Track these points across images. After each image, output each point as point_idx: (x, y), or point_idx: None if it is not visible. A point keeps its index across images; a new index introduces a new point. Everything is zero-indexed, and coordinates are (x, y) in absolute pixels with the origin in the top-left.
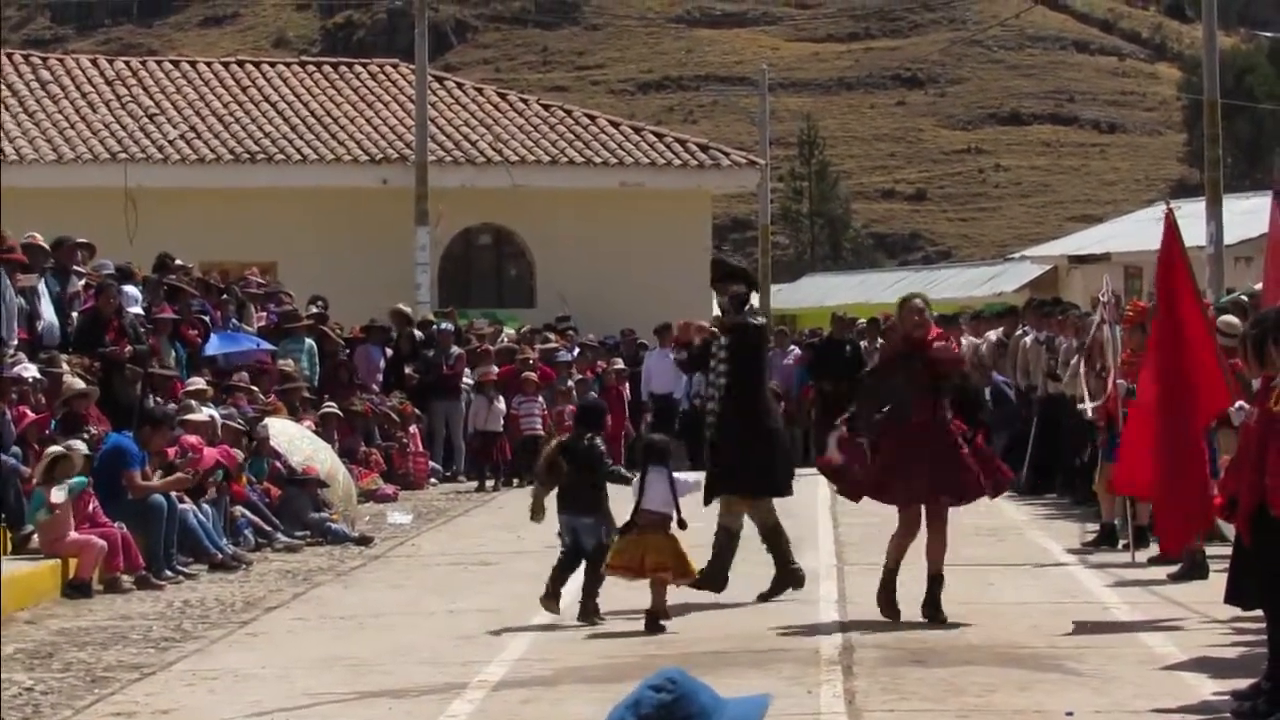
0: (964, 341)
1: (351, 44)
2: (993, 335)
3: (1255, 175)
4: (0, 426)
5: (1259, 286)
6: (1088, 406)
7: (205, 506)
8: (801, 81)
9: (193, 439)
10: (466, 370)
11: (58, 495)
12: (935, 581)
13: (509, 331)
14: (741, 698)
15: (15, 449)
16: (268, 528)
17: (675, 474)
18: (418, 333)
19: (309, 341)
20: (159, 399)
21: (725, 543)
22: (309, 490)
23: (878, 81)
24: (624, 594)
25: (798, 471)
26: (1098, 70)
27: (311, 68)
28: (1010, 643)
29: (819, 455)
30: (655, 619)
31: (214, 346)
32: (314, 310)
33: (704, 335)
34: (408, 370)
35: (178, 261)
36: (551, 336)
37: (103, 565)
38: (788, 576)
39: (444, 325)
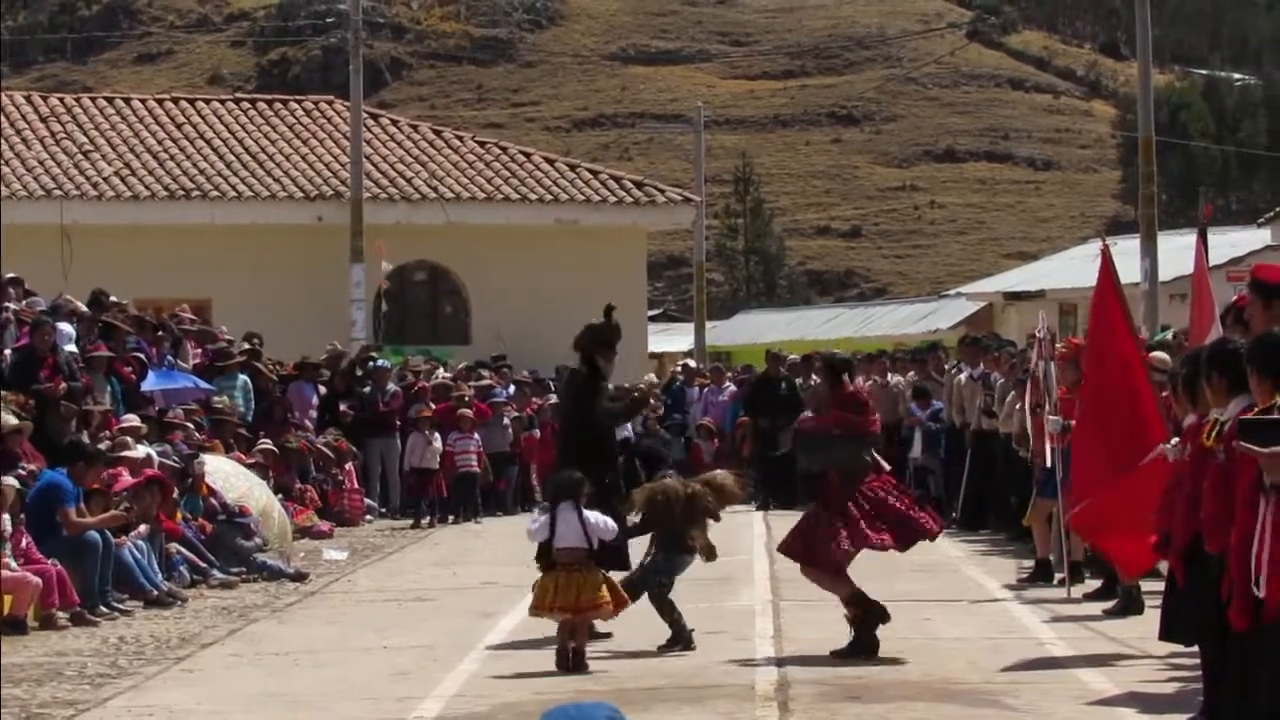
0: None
1: (286, 80)
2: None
3: (1190, 212)
4: None
5: None
6: (1028, 453)
7: (140, 543)
8: (737, 119)
9: (116, 470)
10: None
11: (7, 524)
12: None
13: (443, 369)
14: None
15: None
16: (203, 564)
17: (588, 513)
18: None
19: (243, 378)
20: (97, 435)
21: None
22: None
23: (813, 119)
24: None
25: (735, 509)
26: (1032, 108)
27: (246, 104)
28: (946, 678)
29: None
30: (580, 657)
31: (151, 383)
32: (247, 347)
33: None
34: (343, 407)
35: (112, 298)
36: (485, 373)
37: (38, 602)
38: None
39: (382, 362)
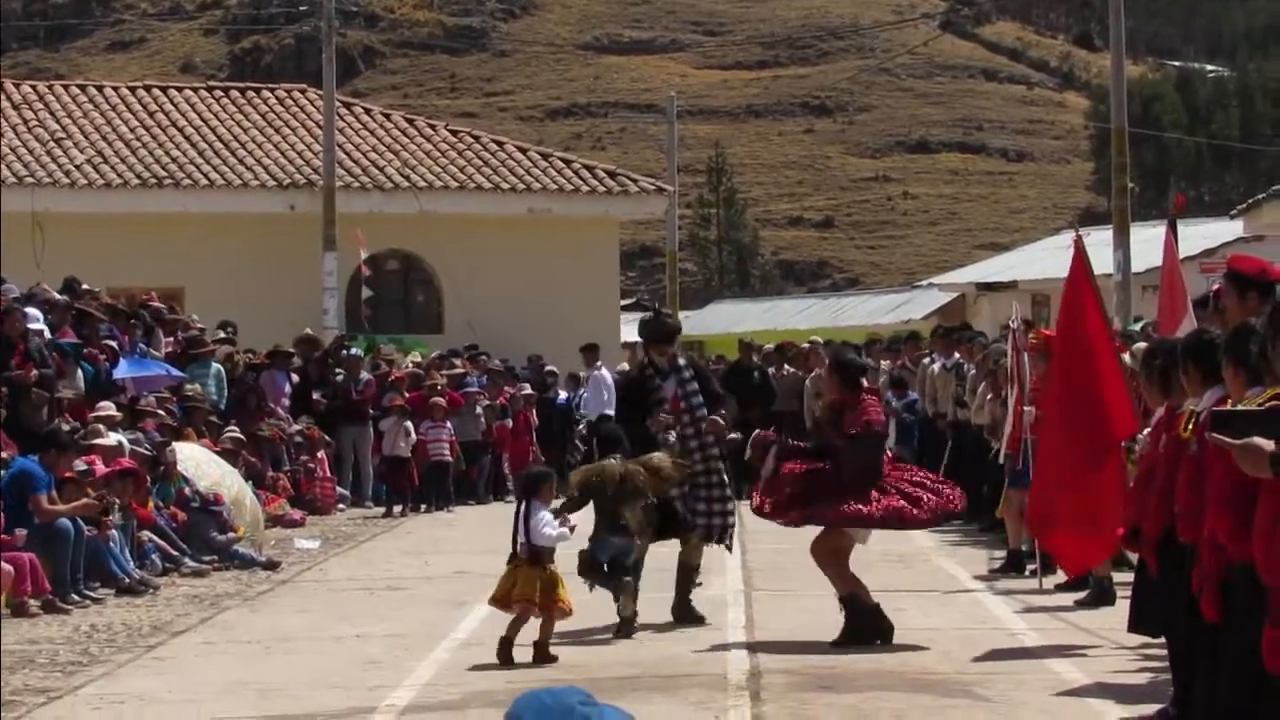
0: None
1: (259, 69)
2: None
3: (1162, 204)
4: None
5: None
6: (998, 445)
7: (112, 531)
8: (710, 108)
9: (90, 457)
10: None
11: None
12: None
13: (413, 357)
14: None
15: None
16: (175, 552)
17: (538, 514)
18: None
19: (216, 366)
20: (76, 415)
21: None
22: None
23: (786, 109)
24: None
25: None
26: (1006, 99)
27: (219, 93)
28: (918, 668)
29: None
30: (545, 649)
31: (123, 371)
32: (220, 335)
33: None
34: (316, 395)
35: (85, 286)
36: (457, 362)
37: (10, 589)
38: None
39: (355, 351)
